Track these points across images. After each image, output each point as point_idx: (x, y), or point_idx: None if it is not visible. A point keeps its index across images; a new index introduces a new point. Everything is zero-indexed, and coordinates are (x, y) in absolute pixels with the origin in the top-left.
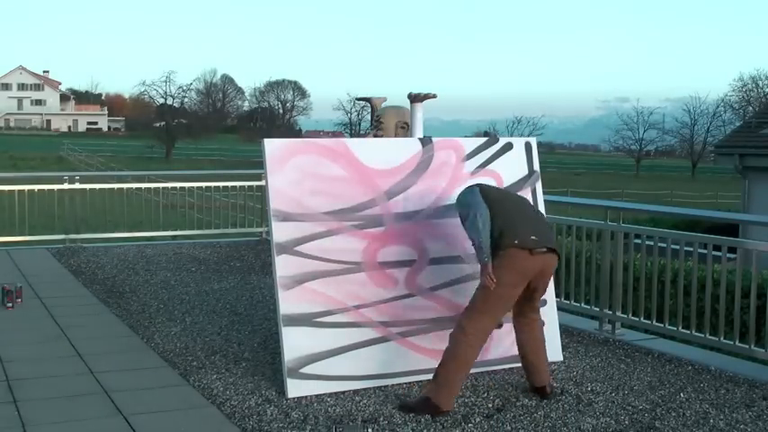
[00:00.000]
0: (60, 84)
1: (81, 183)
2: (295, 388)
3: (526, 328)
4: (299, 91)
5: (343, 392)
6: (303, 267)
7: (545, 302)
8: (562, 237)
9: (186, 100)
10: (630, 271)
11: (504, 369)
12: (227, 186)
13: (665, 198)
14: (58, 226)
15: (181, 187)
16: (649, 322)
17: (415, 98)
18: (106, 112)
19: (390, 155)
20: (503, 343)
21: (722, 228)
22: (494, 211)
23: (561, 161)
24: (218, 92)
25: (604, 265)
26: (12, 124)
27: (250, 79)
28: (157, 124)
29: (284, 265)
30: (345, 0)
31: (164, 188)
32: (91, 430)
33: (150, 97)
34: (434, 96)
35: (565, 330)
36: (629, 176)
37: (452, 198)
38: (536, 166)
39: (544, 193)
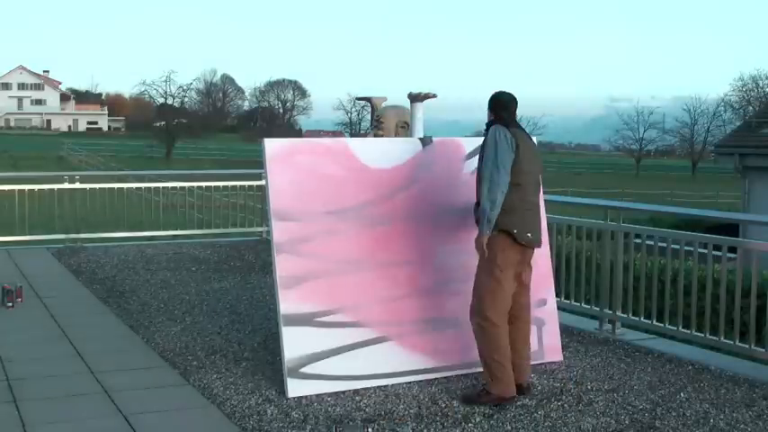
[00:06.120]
0: (60, 83)
1: (81, 182)
2: (295, 388)
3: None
4: (299, 91)
5: (344, 392)
6: (303, 267)
7: (545, 302)
8: (562, 236)
9: (186, 100)
10: (630, 271)
11: None
12: (228, 186)
13: (666, 198)
14: (58, 226)
15: (181, 187)
16: (649, 322)
17: (415, 98)
18: (106, 111)
19: (390, 155)
20: None
21: (722, 227)
22: (512, 186)
23: (561, 161)
24: (219, 92)
25: (604, 265)
26: (12, 124)
27: (250, 79)
28: (157, 124)
29: (284, 265)
30: (346, 0)
31: (164, 188)
32: (91, 430)
33: (150, 97)
34: (434, 96)
35: (565, 330)
36: (629, 176)
37: (453, 198)
38: None
39: (544, 192)
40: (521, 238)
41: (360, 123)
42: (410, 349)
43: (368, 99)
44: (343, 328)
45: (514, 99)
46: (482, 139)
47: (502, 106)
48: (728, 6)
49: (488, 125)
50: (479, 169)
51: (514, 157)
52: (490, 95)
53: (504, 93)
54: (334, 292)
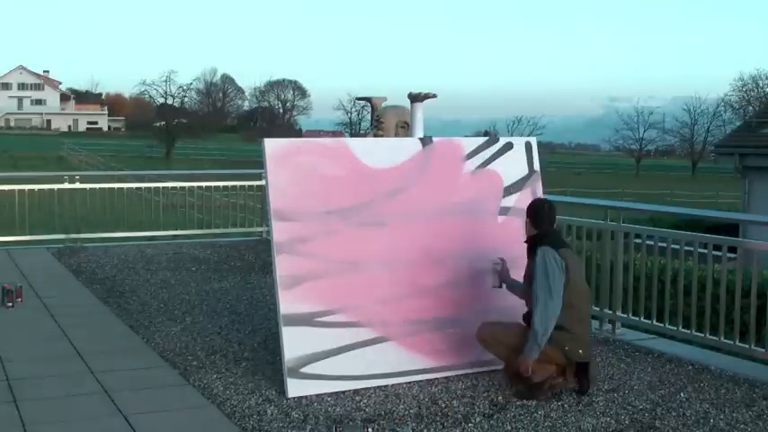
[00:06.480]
0: (60, 83)
1: (81, 182)
2: (295, 388)
3: None
4: (299, 91)
5: (344, 392)
6: (303, 267)
7: None
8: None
9: (186, 100)
10: (630, 271)
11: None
12: (228, 186)
13: (666, 198)
14: (58, 226)
15: (181, 187)
16: (649, 322)
17: (415, 98)
18: (106, 111)
19: (390, 155)
20: None
21: (722, 227)
22: (565, 306)
23: (561, 161)
24: (219, 92)
25: (604, 265)
26: (12, 124)
27: (250, 79)
28: (157, 124)
29: (284, 265)
30: (346, 0)
31: (164, 188)
32: (91, 430)
33: (150, 97)
34: (434, 96)
35: None
36: (629, 176)
37: (452, 198)
38: (536, 166)
39: (544, 192)
40: (572, 355)
41: (360, 123)
42: (410, 349)
43: (368, 99)
44: (343, 328)
45: (553, 206)
46: (482, 139)
47: (543, 215)
48: (728, 6)
49: (532, 240)
50: (534, 289)
51: (565, 276)
52: (528, 206)
53: (541, 200)
54: (334, 292)
